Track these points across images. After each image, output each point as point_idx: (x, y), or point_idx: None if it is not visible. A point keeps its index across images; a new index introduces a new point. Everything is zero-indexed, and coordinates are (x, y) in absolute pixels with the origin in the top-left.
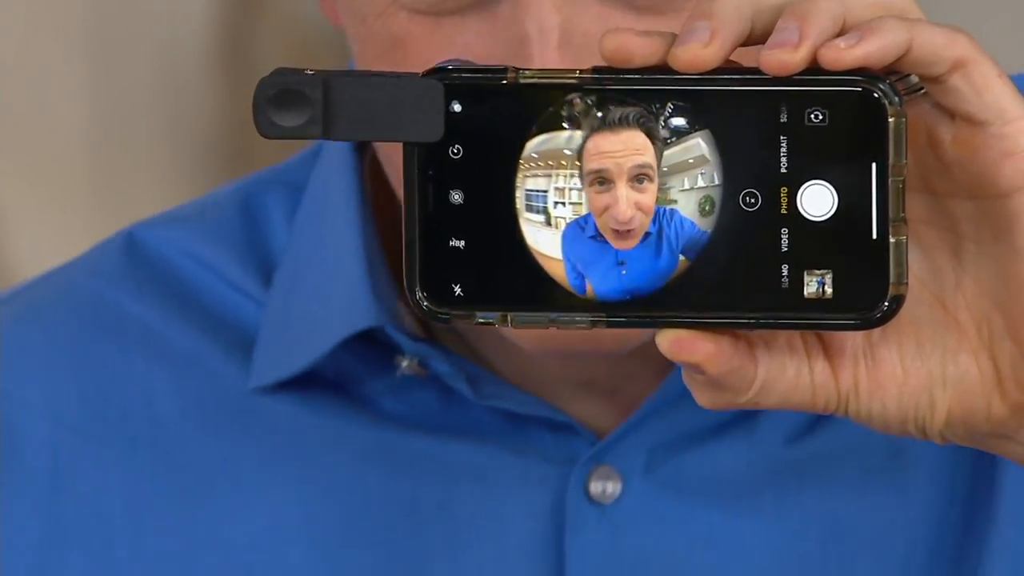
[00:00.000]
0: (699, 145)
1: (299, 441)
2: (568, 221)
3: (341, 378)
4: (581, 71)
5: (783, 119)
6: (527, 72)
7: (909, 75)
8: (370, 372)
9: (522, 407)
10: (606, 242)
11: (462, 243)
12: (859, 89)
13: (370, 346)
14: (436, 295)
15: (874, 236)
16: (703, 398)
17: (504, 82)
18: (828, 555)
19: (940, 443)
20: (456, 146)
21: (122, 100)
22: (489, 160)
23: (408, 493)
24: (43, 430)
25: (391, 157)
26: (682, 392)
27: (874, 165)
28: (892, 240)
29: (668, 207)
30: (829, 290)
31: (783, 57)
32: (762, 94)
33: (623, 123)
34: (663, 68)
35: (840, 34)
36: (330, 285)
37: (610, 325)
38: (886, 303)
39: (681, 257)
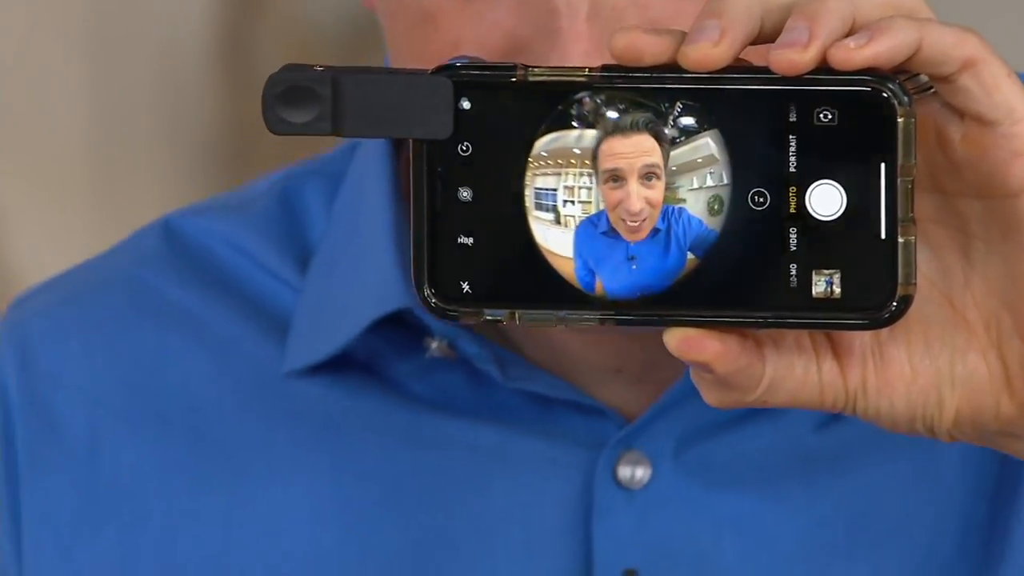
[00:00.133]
0: (708, 144)
1: (332, 424)
2: (578, 219)
3: (372, 361)
4: (590, 69)
5: (792, 118)
6: (536, 70)
7: (918, 74)
8: (400, 355)
9: (550, 390)
10: (618, 238)
11: (470, 240)
12: (868, 89)
13: (400, 329)
14: (444, 292)
15: (883, 236)
16: (711, 397)
17: (513, 79)
18: (855, 543)
19: (948, 441)
20: (465, 143)
21: (122, 100)
22: (498, 157)
23: (438, 476)
24: (81, 410)
25: None
26: None
27: (883, 165)
28: (901, 240)
29: (677, 206)
30: (837, 290)
31: (792, 57)
32: (771, 93)
33: (634, 127)
34: (673, 67)
35: (849, 34)
36: (363, 271)
37: (619, 323)
38: (894, 303)
39: (690, 255)
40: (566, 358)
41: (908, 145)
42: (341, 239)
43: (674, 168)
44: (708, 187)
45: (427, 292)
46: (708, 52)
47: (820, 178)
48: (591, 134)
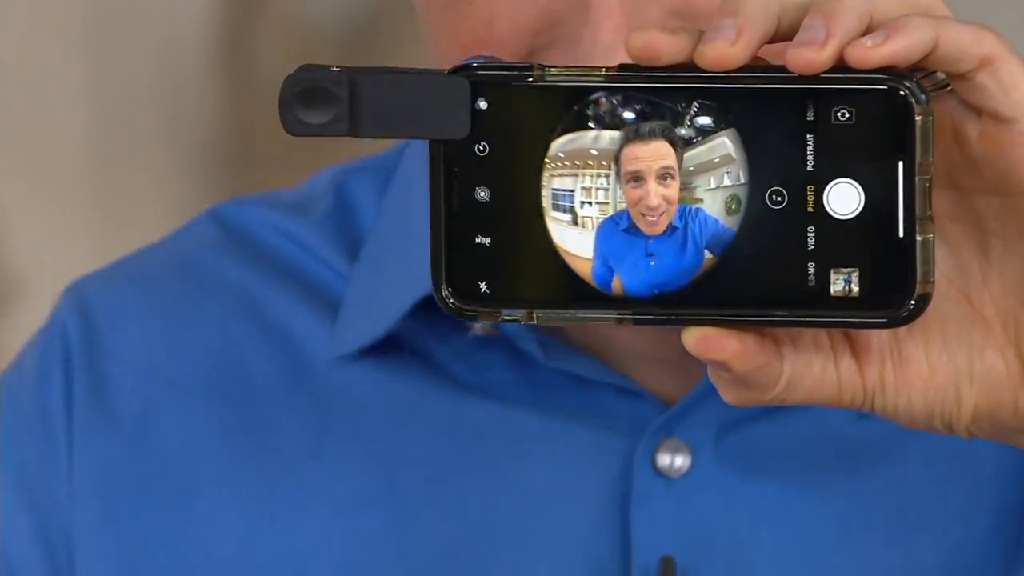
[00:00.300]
0: (725, 144)
1: (376, 410)
2: (596, 219)
3: (416, 345)
4: (607, 69)
5: (809, 117)
6: (553, 70)
7: (935, 72)
8: (443, 339)
9: (591, 372)
10: (638, 234)
11: (488, 240)
12: (886, 87)
13: (443, 312)
14: (462, 292)
15: (901, 234)
16: (729, 395)
17: (530, 79)
18: (891, 534)
19: (966, 437)
20: (482, 143)
21: (122, 100)
22: (515, 157)
23: (479, 461)
24: (137, 381)
25: None
26: None
27: (901, 163)
28: (919, 239)
29: (694, 206)
30: (856, 288)
31: (809, 55)
32: (788, 92)
33: (652, 135)
34: (690, 66)
35: (866, 32)
36: (409, 259)
37: (637, 323)
38: (913, 301)
39: (707, 254)
40: (605, 344)
41: (926, 143)
42: (390, 231)
43: (691, 168)
44: (725, 186)
45: (445, 292)
46: (725, 51)
47: (838, 177)
48: (608, 135)
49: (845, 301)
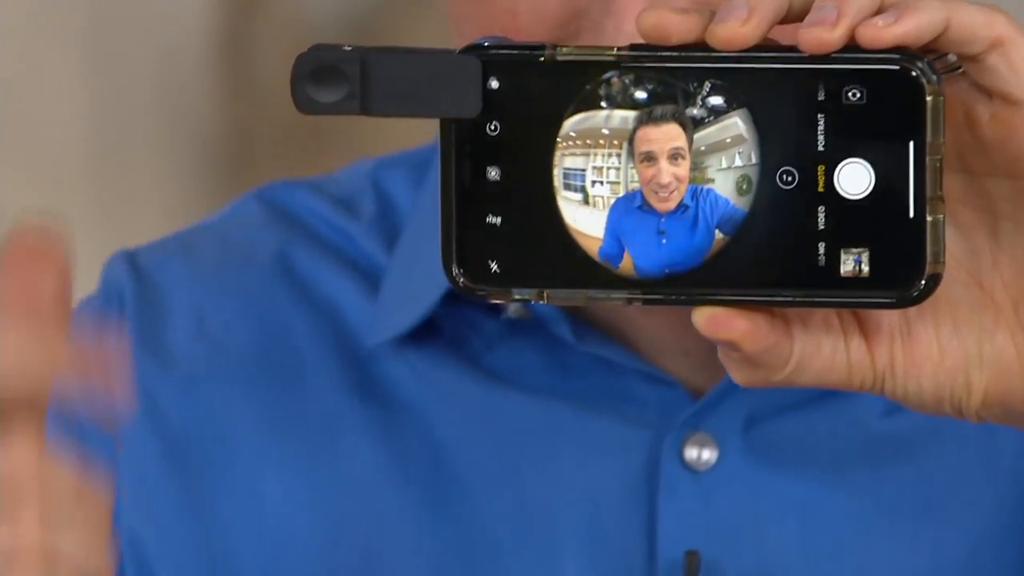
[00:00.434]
0: (737, 124)
1: (410, 398)
2: (607, 198)
3: (452, 334)
4: (619, 48)
5: (820, 97)
6: (564, 49)
7: (947, 54)
8: (476, 326)
9: (622, 358)
10: (650, 212)
11: (499, 220)
12: (897, 67)
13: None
14: (472, 271)
15: (911, 214)
16: (739, 375)
17: (542, 59)
18: (918, 530)
19: (976, 422)
20: (493, 123)
21: (122, 101)
22: (526, 137)
23: (510, 451)
24: (184, 341)
25: None
26: None
27: (912, 143)
28: (929, 219)
29: (705, 186)
30: (866, 268)
31: (821, 35)
32: (800, 72)
33: (664, 118)
34: (701, 46)
35: (878, 12)
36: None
37: (647, 303)
38: (923, 281)
39: (718, 234)
40: (635, 335)
41: (937, 123)
42: (424, 222)
43: (702, 148)
44: (736, 166)
45: (455, 271)
46: (737, 31)
47: (849, 156)
48: (620, 115)
49: (855, 281)
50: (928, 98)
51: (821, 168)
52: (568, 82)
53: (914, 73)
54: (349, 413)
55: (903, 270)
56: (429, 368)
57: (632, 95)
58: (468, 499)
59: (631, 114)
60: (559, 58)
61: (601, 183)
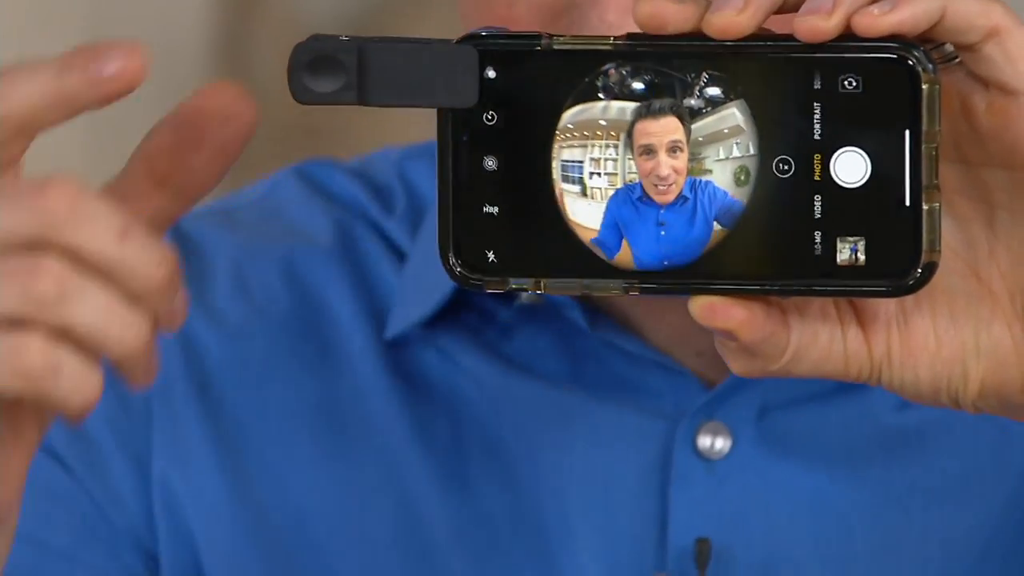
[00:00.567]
0: (734, 115)
1: (438, 379)
2: (605, 189)
3: (469, 321)
4: (615, 38)
5: (817, 86)
6: (561, 38)
7: (944, 44)
8: (491, 314)
9: (635, 347)
10: (650, 204)
11: (496, 209)
12: (893, 56)
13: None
14: (470, 261)
15: (907, 203)
16: (736, 365)
17: (538, 48)
18: (928, 524)
19: (973, 413)
20: (491, 112)
21: (121, 101)
22: (524, 126)
23: (527, 436)
24: (225, 298)
25: None
26: None
27: (907, 132)
28: (925, 207)
29: (703, 178)
30: (862, 257)
31: (817, 23)
32: (796, 61)
33: (662, 112)
34: (697, 35)
35: (874, 1)
36: None
37: (644, 292)
38: (919, 270)
39: (716, 226)
40: (648, 326)
41: (932, 112)
42: None
43: (700, 139)
44: (734, 157)
45: (452, 260)
46: (733, 20)
47: (845, 145)
48: (618, 106)
49: (851, 270)
50: (924, 86)
51: (817, 157)
52: (565, 72)
53: (910, 62)
54: (379, 387)
55: (899, 259)
56: (454, 352)
57: (630, 86)
58: (485, 481)
59: (629, 106)
60: (556, 47)
61: (599, 174)
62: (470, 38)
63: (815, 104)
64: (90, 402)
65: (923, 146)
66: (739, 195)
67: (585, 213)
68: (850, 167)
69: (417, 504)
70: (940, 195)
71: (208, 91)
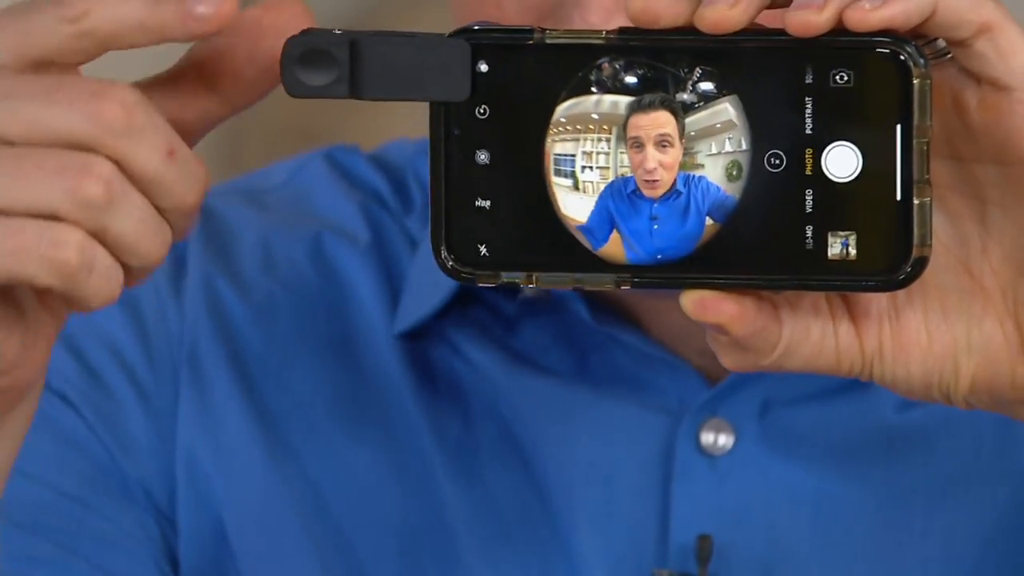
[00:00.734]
0: (727, 110)
1: (449, 371)
2: (596, 183)
3: (477, 315)
4: (608, 32)
5: (808, 80)
6: (553, 32)
7: (936, 39)
8: (497, 308)
9: (638, 342)
10: (643, 198)
11: (488, 203)
12: (885, 51)
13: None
14: (462, 255)
15: (898, 197)
16: (727, 359)
17: (530, 42)
18: (929, 524)
19: (964, 408)
20: (483, 106)
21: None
22: (516, 120)
23: (532, 429)
24: (253, 270)
25: None
26: None
27: (899, 127)
28: (916, 201)
29: (696, 173)
30: (853, 251)
31: (808, 18)
32: (787, 55)
33: (652, 105)
34: (690, 30)
35: None
36: None
37: (635, 286)
38: (910, 265)
39: (709, 221)
40: (652, 322)
41: (924, 106)
42: None
43: (693, 133)
44: (727, 152)
45: (444, 254)
46: (725, 14)
47: (836, 140)
48: (609, 100)
49: (843, 264)
50: (915, 81)
51: (809, 151)
52: (557, 66)
53: (901, 56)
54: (396, 375)
55: (890, 253)
56: (462, 346)
57: (622, 80)
58: (495, 472)
59: (622, 100)
60: (548, 41)
61: (591, 168)
62: (462, 32)
63: (807, 99)
64: (110, 302)
65: (914, 141)
66: (731, 190)
67: (577, 206)
68: (842, 162)
69: (430, 491)
70: (931, 190)
71: (270, 6)
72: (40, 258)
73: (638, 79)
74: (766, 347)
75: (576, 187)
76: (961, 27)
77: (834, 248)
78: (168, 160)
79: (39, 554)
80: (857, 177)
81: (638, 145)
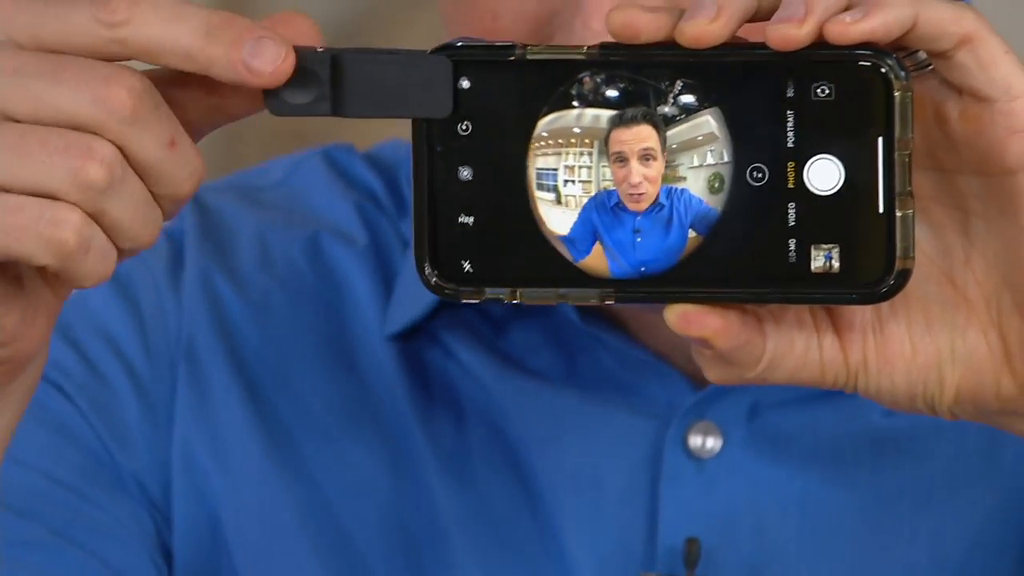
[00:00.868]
0: (708, 122)
1: (441, 373)
2: (579, 197)
3: (467, 319)
4: (588, 47)
5: (790, 94)
6: (534, 48)
7: (917, 51)
8: (485, 311)
9: (626, 345)
10: (626, 210)
11: (471, 220)
12: (866, 64)
13: None
14: (445, 271)
15: (881, 210)
16: (712, 373)
17: (512, 58)
18: (917, 528)
19: (949, 419)
20: (465, 122)
21: None
22: (498, 136)
23: (520, 433)
24: (250, 265)
25: None
26: None
27: (880, 139)
28: (899, 214)
29: (679, 186)
30: (836, 264)
31: (789, 31)
32: (769, 69)
33: (635, 120)
34: (671, 44)
35: (846, 9)
36: None
37: (619, 300)
38: (893, 277)
39: (691, 233)
40: (640, 326)
41: (905, 119)
42: None
43: (674, 146)
44: (708, 165)
45: (428, 271)
46: (705, 28)
47: (818, 153)
48: (591, 113)
49: (826, 277)
50: (896, 94)
51: (791, 165)
52: (539, 81)
53: (883, 69)
54: (390, 376)
55: (873, 266)
56: (453, 347)
57: (604, 94)
58: (487, 473)
59: (603, 114)
60: (529, 57)
61: (573, 182)
62: (444, 48)
63: (788, 112)
64: (102, 281)
65: (896, 153)
66: (714, 202)
67: (559, 221)
68: (824, 175)
69: (424, 491)
70: (914, 202)
71: (278, 20)
72: (38, 237)
73: (619, 92)
74: (750, 360)
75: (558, 201)
76: (942, 39)
77: (817, 261)
78: (169, 150)
79: (34, 539)
80: (840, 190)
81: (621, 160)
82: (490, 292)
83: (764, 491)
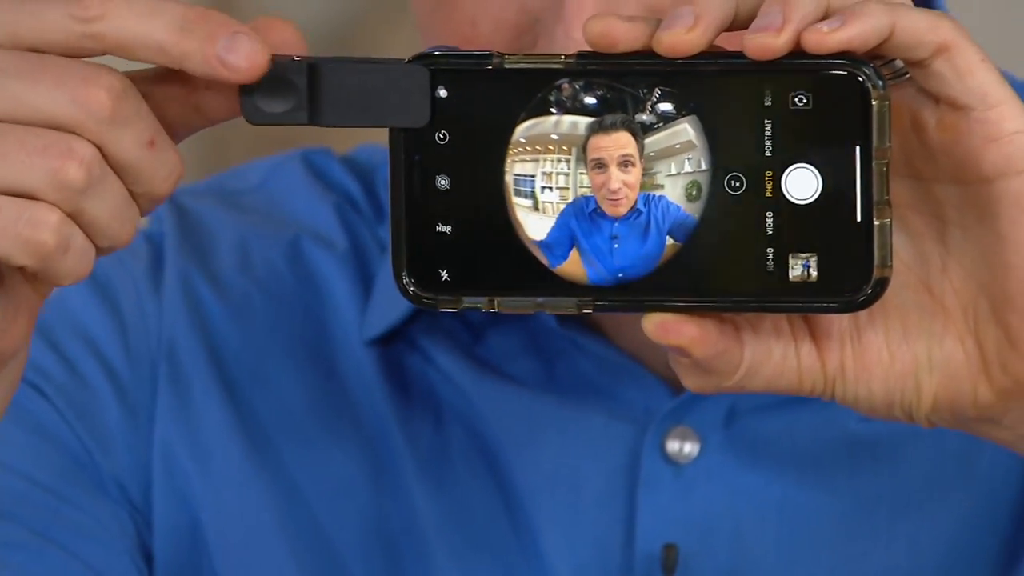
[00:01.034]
0: (686, 130)
1: (420, 378)
2: (559, 203)
3: (446, 326)
4: (566, 56)
5: (767, 103)
6: (512, 57)
7: (894, 60)
8: (462, 318)
9: (602, 348)
10: (604, 217)
11: (448, 228)
12: (843, 73)
13: None
14: (423, 280)
15: (858, 219)
16: (689, 381)
17: (489, 67)
18: (894, 532)
19: (927, 427)
20: (442, 131)
21: None
22: (475, 145)
23: (498, 438)
24: (230, 269)
25: None
26: None
27: (858, 148)
28: (876, 223)
29: (656, 193)
30: (814, 273)
31: (766, 41)
32: (746, 78)
33: (614, 127)
34: (648, 53)
35: (823, 18)
36: None
37: (597, 309)
38: (871, 286)
39: (669, 240)
40: (618, 331)
41: (882, 128)
42: None
43: (652, 154)
44: (686, 172)
45: (405, 280)
46: (682, 38)
47: (796, 162)
48: (568, 120)
49: (804, 286)
50: (874, 103)
51: (769, 173)
52: (516, 90)
53: (860, 78)
54: (368, 380)
55: (851, 275)
56: (431, 352)
57: (582, 101)
58: (466, 478)
59: (581, 121)
60: (507, 66)
61: (551, 188)
62: (421, 57)
63: (766, 121)
64: (81, 279)
65: (874, 162)
66: (691, 210)
67: (537, 226)
68: (801, 183)
69: (403, 494)
70: (891, 211)
71: (260, 26)
72: (17, 237)
73: (597, 100)
74: (728, 369)
75: (536, 207)
76: (919, 48)
77: (795, 270)
78: (148, 149)
79: (15, 540)
80: (817, 199)
81: (600, 166)
82: (468, 301)
83: (742, 496)
